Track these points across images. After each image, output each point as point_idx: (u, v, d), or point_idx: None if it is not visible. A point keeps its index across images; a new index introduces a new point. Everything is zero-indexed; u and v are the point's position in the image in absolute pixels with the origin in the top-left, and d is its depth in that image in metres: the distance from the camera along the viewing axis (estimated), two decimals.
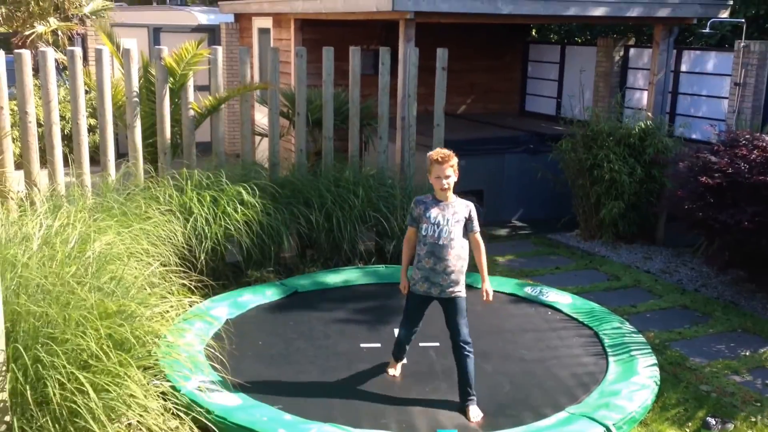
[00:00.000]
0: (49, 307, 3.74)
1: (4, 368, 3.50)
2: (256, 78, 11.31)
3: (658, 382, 4.79)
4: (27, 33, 11.76)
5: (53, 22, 11.93)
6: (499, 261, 7.53)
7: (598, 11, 7.87)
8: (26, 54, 6.09)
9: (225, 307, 5.77)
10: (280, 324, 5.68)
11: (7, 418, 3.54)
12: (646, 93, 9.15)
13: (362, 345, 5.27)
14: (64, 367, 3.54)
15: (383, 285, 6.35)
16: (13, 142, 6.52)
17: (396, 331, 4.92)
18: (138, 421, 3.73)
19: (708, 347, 5.58)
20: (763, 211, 5.99)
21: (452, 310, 4.44)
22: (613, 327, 5.60)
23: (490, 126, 9.98)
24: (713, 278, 7.02)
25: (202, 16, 12.94)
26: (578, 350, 5.35)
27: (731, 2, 8.47)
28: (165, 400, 3.91)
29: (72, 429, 3.57)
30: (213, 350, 4.66)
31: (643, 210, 7.95)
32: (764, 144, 6.37)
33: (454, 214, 4.37)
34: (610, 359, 5.14)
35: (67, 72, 6.60)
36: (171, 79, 6.79)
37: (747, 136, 6.55)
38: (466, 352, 4.43)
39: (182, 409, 3.91)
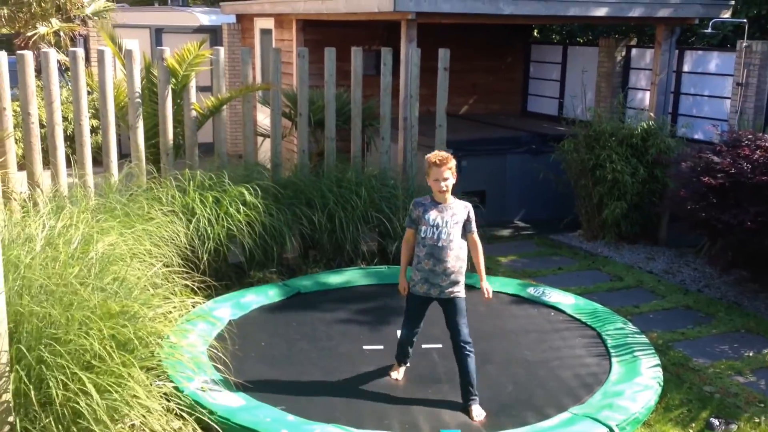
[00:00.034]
0: (52, 307, 3.74)
1: (7, 369, 3.50)
2: (258, 79, 11.31)
3: (662, 383, 4.78)
4: (29, 34, 11.77)
5: (55, 23, 11.94)
6: (501, 261, 7.53)
7: (600, 11, 7.86)
8: (29, 55, 6.10)
9: (228, 308, 5.77)
10: (283, 325, 5.68)
11: (11, 419, 3.54)
12: (648, 93, 9.15)
13: (365, 347, 5.26)
14: (67, 367, 3.54)
15: (386, 286, 6.35)
16: (16, 143, 6.52)
17: (399, 333, 4.92)
18: (141, 422, 3.73)
19: (711, 348, 5.57)
20: (765, 211, 5.98)
21: (452, 311, 4.45)
22: (616, 327, 5.60)
23: (492, 126, 9.98)
24: (716, 279, 7.01)
25: (203, 17, 12.94)
26: (581, 351, 5.34)
27: (733, 2, 8.47)
28: (168, 400, 3.91)
29: (75, 430, 3.57)
30: (216, 351, 4.67)
31: (645, 210, 7.94)
32: (766, 144, 6.36)
33: (452, 216, 4.40)
34: (613, 360, 5.13)
35: (69, 73, 6.61)
36: (173, 79, 6.80)
37: (749, 137, 6.54)
38: (466, 352, 4.44)
39: (185, 409, 3.91)
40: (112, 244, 4.51)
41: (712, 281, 6.98)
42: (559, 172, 8.32)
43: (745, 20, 8.50)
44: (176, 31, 12.44)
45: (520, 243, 8.29)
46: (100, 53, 6.43)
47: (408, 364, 4.85)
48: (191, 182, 6.36)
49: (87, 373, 3.56)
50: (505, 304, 6.22)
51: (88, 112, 6.65)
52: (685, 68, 9.05)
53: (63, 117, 6.86)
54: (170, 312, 4.24)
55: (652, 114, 8.39)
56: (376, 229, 6.93)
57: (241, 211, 6.18)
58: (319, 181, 6.95)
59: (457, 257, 4.39)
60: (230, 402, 4.32)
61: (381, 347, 5.23)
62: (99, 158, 6.70)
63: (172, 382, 4.12)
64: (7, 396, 3.51)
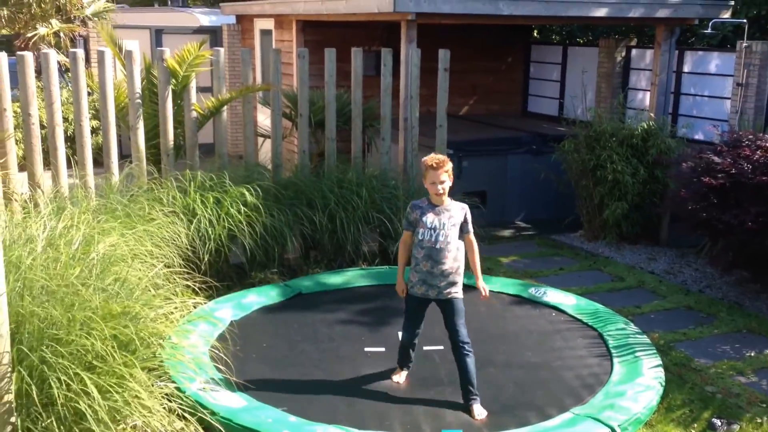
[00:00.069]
0: (53, 308, 3.74)
1: (9, 370, 3.50)
2: (258, 79, 11.31)
3: (663, 383, 4.78)
4: (29, 35, 11.77)
5: (55, 24, 11.94)
6: (502, 262, 7.53)
7: (600, 12, 7.86)
8: (29, 56, 6.09)
9: (229, 309, 5.77)
10: (284, 326, 5.68)
11: (13, 419, 3.53)
12: (648, 94, 9.15)
13: (366, 349, 5.24)
14: (69, 368, 3.54)
15: (387, 286, 6.34)
16: (17, 144, 6.52)
17: (400, 334, 4.91)
18: (143, 423, 3.73)
19: (713, 348, 5.57)
20: (766, 212, 5.98)
21: (450, 311, 4.48)
22: (617, 328, 5.60)
23: (492, 127, 9.97)
24: (717, 279, 7.01)
25: (203, 18, 12.94)
26: (583, 351, 5.34)
27: (732, 3, 8.47)
28: (170, 401, 3.91)
29: (77, 430, 3.57)
30: (217, 352, 4.66)
31: (646, 211, 7.94)
32: (767, 144, 6.36)
33: (450, 218, 4.43)
34: (615, 360, 5.13)
35: (69, 74, 6.60)
36: (173, 80, 6.80)
37: (750, 137, 6.54)
38: (465, 351, 4.46)
39: (187, 410, 3.91)
40: (113, 244, 4.50)
41: (713, 281, 6.97)
42: (560, 173, 8.32)
43: (744, 20, 8.50)
44: (176, 31, 12.44)
45: (521, 243, 8.29)
46: (100, 54, 6.43)
47: (410, 369, 4.84)
48: (192, 183, 6.36)
49: (89, 374, 3.56)
50: (507, 304, 6.22)
51: (89, 112, 6.65)
52: (685, 69, 9.05)
53: (63, 118, 6.86)
54: (171, 312, 4.24)
55: (652, 114, 8.39)
56: (377, 229, 6.93)
57: (242, 211, 6.18)
58: (320, 182, 6.95)
59: (454, 258, 4.42)
60: (232, 403, 4.32)
61: (383, 349, 5.22)
62: (99, 159, 6.70)
63: (173, 382, 4.12)
64: (10, 396, 3.50)
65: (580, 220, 8.40)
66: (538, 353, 5.30)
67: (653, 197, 7.87)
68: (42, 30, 11.76)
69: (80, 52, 6.39)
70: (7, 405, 3.51)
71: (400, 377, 4.78)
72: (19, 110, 6.47)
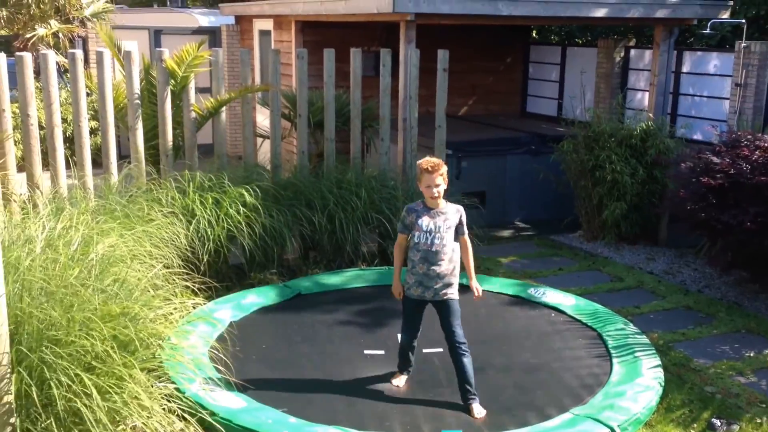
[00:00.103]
0: (52, 309, 3.73)
1: (8, 371, 3.49)
2: (257, 80, 11.31)
3: (663, 384, 4.78)
4: (28, 36, 11.75)
5: (54, 24, 11.93)
6: (502, 262, 7.53)
7: (599, 12, 7.87)
8: (27, 57, 6.09)
9: (228, 310, 5.76)
10: (284, 327, 5.68)
11: (12, 420, 3.53)
12: (647, 94, 9.15)
13: (366, 352, 5.23)
14: (68, 369, 3.53)
15: (386, 287, 6.27)
16: (16, 144, 6.51)
17: (399, 336, 4.90)
18: (142, 423, 3.72)
19: (712, 348, 5.57)
20: (765, 212, 5.98)
21: (446, 312, 4.50)
22: (616, 328, 5.60)
23: (491, 127, 9.98)
24: (716, 279, 7.01)
25: (202, 18, 12.94)
26: (582, 352, 5.34)
27: (731, 3, 8.48)
28: (170, 402, 3.90)
29: (76, 431, 3.57)
30: (217, 352, 4.66)
31: (645, 211, 7.95)
32: (766, 144, 6.37)
33: (445, 221, 4.46)
34: (614, 360, 5.13)
35: (68, 74, 6.60)
36: (172, 81, 6.79)
37: (748, 137, 6.55)
38: (462, 351, 4.48)
39: (187, 411, 3.91)
40: (112, 245, 4.50)
41: (712, 282, 6.98)
42: (559, 173, 8.32)
43: (743, 21, 8.51)
44: (175, 32, 12.43)
45: (520, 244, 8.29)
46: (99, 55, 6.42)
47: (410, 373, 4.82)
48: (191, 183, 6.36)
49: (88, 375, 3.56)
50: (506, 305, 6.22)
51: (88, 113, 6.64)
52: (684, 69, 9.05)
53: (62, 118, 6.86)
54: (171, 313, 4.23)
55: (651, 115, 8.40)
56: (376, 230, 6.93)
57: (241, 212, 6.18)
58: (319, 183, 6.95)
59: (450, 260, 4.46)
60: (232, 403, 4.32)
61: (382, 352, 5.19)
62: (98, 160, 6.69)
63: (173, 383, 4.11)
64: (9, 397, 3.50)
65: (579, 221, 8.40)
66: (538, 354, 5.30)
67: (652, 197, 7.87)
68: (41, 31, 11.74)
69: (79, 53, 6.39)
70: (7, 406, 3.50)
71: (400, 381, 4.77)
72: (17, 111, 6.47)
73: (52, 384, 3.50)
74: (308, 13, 9.01)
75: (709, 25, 8.43)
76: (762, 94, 7.76)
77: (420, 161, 4.46)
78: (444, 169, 4.41)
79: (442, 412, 4.47)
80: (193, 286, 4.81)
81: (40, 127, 6.42)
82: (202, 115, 7.11)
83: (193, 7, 18.35)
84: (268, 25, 11.15)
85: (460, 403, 4.51)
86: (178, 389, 4.08)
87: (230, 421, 4.11)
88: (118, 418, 3.69)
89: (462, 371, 4.48)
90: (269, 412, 4.29)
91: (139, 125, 6.64)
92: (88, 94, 7.11)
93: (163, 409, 3.81)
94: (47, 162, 6.30)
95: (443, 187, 4.43)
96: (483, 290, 6.45)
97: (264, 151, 8.32)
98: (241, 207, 6.21)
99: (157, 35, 12.49)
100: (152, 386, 3.86)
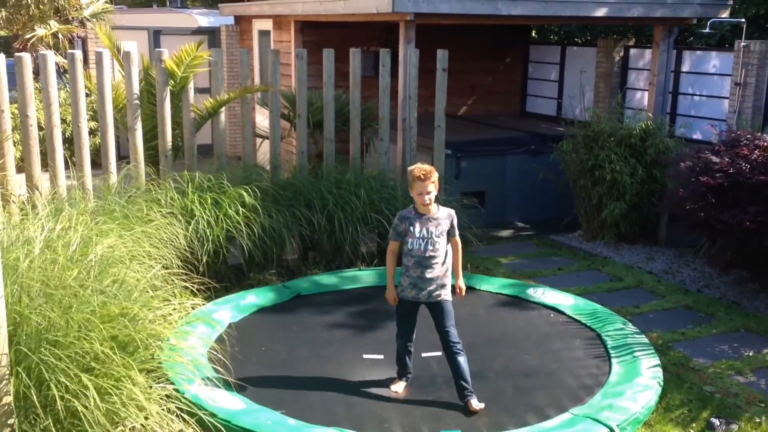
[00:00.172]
0: (51, 310, 3.73)
1: (7, 372, 3.49)
2: (257, 80, 11.31)
3: (662, 383, 4.78)
4: (27, 36, 11.76)
5: (53, 25, 11.93)
6: (501, 262, 7.52)
7: (598, 12, 7.87)
8: (27, 57, 6.08)
9: (228, 311, 5.76)
10: (283, 328, 5.68)
11: (11, 421, 3.53)
12: (646, 93, 9.15)
13: (365, 356, 5.20)
14: (67, 370, 3.53)
15: (385, 288, 6.32)
16: (15, 145, 6.51)
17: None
18: (142, 424, 3.72)
19: (711, 348, 5.57)
20: (764, 211, 5.98)
21: (440, 314, 4.54)
22: (616, 328, 5.59)
23: (491, 127, 9.97)
24: (716, 278, 7.01)
25: (202, 19, 12.94)
26: (581, 352, 5.34)
27: (731, 2, 8.47)
28: (169, 403, 3.90)
29: None
30: (216, 353, 4.66)
31: (644, 210, 7.94)
32: (765, 144, 6.37)
33: (437, 226, 4.50)
34: (613, 360, 5.13)
35: (67, 75, 6.60)
36: (171, 81, 6.79)
37: (748, 136, 6.54)
38: (456, 350, 4.51)
39: (186, 412, 3.91)
40: (111, 246, 4.50)
41: (711, 281, 6.98)
42: (559, 173, 8.32)
43: (743, 20, 8.51)
44: (174, 32, 12.43)
45: (519, 243, 8.29)
46: (99, 55, 6.42)
47: (409, 380, 4.79)
48: (190, 184, 6.36)
49: (87, 375, 3.56)
50: (505, 305, 6.22)
51: (87, 114, 6.64)
52: (684, 68, 9.05)
53: (61, 119, 6.86)
54: (170, 314, 4.24)
55: (650, 114, 8.39)
56: (376, 230, 6.93)
57: (240, 212, 6.18)
58: (319, 183, 6.95)
59: (443, 264, 4.53)
60: (231, 405, 4.31)
61: (381, 357, 5.15)
62: (98, 160, 6.69)
63: (172, 384, 4.11)
64: (8, 398, 3.50)
65: (578, 220, 8.40)
66: (537, 354, 5.30)
67: (651, 197, 7.87)
68: (40, 31, 11.74)
69: (78, 54, 6.39)
70: (6, 407, 3.50)
71: (399, 387, 4.74)
72: (17, 112, 6.47)
73: (51, 385, 3.50)
74: (307, 13, 9.01)
75: (708, 24, 8.43)
76: (761, 94, 7.76)
77: (412, 168, 4.48)
78: (435, 176, 4.45)
79: (441, 413, 4.47)
80: (192, 286, 4.81)
81: (39, 128, 6.42)
82: (201, 115, 7.11)
83: (193, 7, 18.35)
84: (267, 25, 11.15)
85: (458, 404, 4.51)
86: (177, 390, 4.08)
87: (229, 422, 4.11)
88: (117, 419, 3.69)
89: (458, 369, 4.50)
90: (268, 413, 4.29)
91: (139, 126, 6.64)
92: (87, 95, 7.11)
93: (162, 409, 3.81)
94: (46, 163, 6.30)
95: (435, 193, 4.47)
96: (483, 290, 6.50)
97: (263, 151, 8.32)
98: (240, 207, 6.21)
99: (156, 36, 12.49)
100: (151, 387, 3.86)
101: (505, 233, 8.66)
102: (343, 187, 6.90)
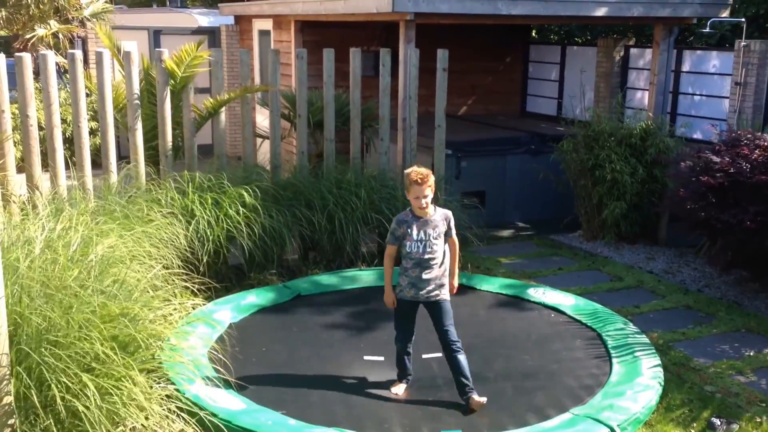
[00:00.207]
0: (51, 310, 3.73)
1: (8, 372, 3.49)
2: (257, 80, 11.31)
3: (662, 383, 4.77)
4: (28, 36, 11.75)
5: (54, 25, 11.92)
6: (501, 262, 7.52)
7: (599, 11, 7.86)
8: (27, 57, 6.08)
9: (228, 311, 5.76)
10: (283, 328, 5.67)
11: (11, 421, 3.53)
12: (646, 93, 9.14)
13: (366, 358, 5.18)
14: (68, 370, 3.53)
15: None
16: (15, 145, 6.51)
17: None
18: (142, 424, 3.72)
19: (712, 347, 5.57)
20: (765, 211, 5.98)
21: (438, 313, 4.55)
22: (616, 328, 5.59)
23: (491, 127, 9.97)
24: (716, 278, 7.01)
25: (202, 19, 12.94)
26: (582, 352, 5.33)
27: (731, 1, 8.46)
28: (169, 403, 3.90)
29: None
30: (217, 353, 4.66)
31: (645, 210, 7.94)
32: (765, 143, 6.36)
33: (435, 229, 4.52)
34: (614, 360, 5.12)
35: (67, 75, 6.60)
36: (172, 81, 6.79)
37: (748, 136, 6.54)
38: (456, 349, 4.53)
39: (187, 412, 3.90)
40: (111, 246, 4.50)
41: (712, 281, 6.97)
42: (559, 173, 8.32)
43: (743, 19, 8.50)
44: (174, 32, 12.43)
45: (520, 243, 8.29)
46: (99, 55, 6.42)
47: (409, 382, 4.78)
48: (190, 184, 6.36)
49: (88, 375, 3.56)
50: (505, 305, 6.22)
51: (87, 114, 6.64)
52: (684, 68, 9.05)
53: (62, 119, 6.86)
54: (170, 314, 4.24)
55: (650, 114, 8.39)
56: (376, 230, 6.93)
57: (241, 212, 6.18)
58: (319, 183, 6.95)
59: (441, 264, 4.56)
60: (231, 405, 4.31)
61: (381, 358, 5.14)
62: (98, 160, 6.69)
63: (173, 384, 4.11)
64: (9, 398, 3.50)
65: (578, 220, 8.40)
66: (537, 354, 5.29)
67: (652, 197, 7.87)
68: (40, 31, 11.74)
69: (78, 53, 6.38)
70: (6, 407, 3.50)
71: (399, 389, 4.73)
72: (17, 112, 6.47)
73: (52, 385, 3.50)
74: (308, 13, 9.00)
75: (708, 23, 8.43)
76: (762, 93, 7.75)
77: (408, 171, 4.50)
78: (432, 179, 4.48)
79: (441, 413, 4.47)
80: (193, 286, 4.81)
81: (40, 128, 6.42)
82: (201, 115, 7.11)
83: (193, 7, 18.34)
84: (267, 25, 11.15)
85: (459, 405, 4.51)
86: (177, 390, 4.08)
87: (230, 422, 4.11)
88: (117, 420, 3.68)
89: (457, 366, 4.52)
90: (268, 413, 4.29)
91: (139, 126, 6.64)
92: (87, 95, 7.11)
93: (163, 409, 3.81)
94: (47, 163, 6.30)
95: (431, 197, 4.50)
96: (483, 290, 6.50)
97: (263, 151, 8.33)
98: (240, 207, 6.21)
99: (156, 35, 12.49)
100: (152, 387, 3.86)
101: (506, 233, 8.66)
102: (343, 187, 6.89)
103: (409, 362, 4.77)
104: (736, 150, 6.40)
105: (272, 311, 5.96)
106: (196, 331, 5.03)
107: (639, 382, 4.72)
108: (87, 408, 3.48)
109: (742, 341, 5.68)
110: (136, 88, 6.57)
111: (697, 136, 8.60)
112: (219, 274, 6.23)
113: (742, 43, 7.76)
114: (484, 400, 4.46)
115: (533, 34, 12.70)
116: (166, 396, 3.93)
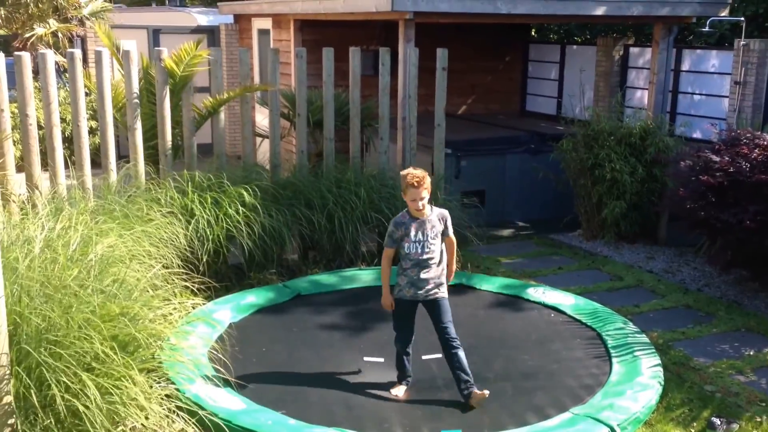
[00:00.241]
0: (51, 310, 3.73)
1: (8, 371, 3.49)
2: (256, 79, 11.30)
3: (662, 383, 4.77)
4: (27, 35, 11.73)
5: (53, 24, 11.90)
6: (501, 261, 7.52)
7: (598, 10, 7.86)
8: (26, 56, 6.07)
9: (228, 311, 5.76)
10: (283, 328, 5.67)
11: (11, 421, 3.52)
12: (646, 92, 9.14)
13: (365, 359, 5.17)
14: (68, 369, 3.53)
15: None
16: (14, 144, 6.50)
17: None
18: (142, 424, 3.72)
19: (712, 347, 5.57)
20: (764, 210, 5.98)
21: (437, 311, 4.57)
22: (616, 327, 5.59)
23: (491, 126, 9.97)
24: (716, 278, 7.01)
25: (201, 18, 12.93)
26: (581, 351, 5.33)
27: (730, 0, 8.46)
28: (169, 403, 3.90)
29: None
30: (216, 353, 4.65)
31: (644, 210, 7.94)
32: (765, 143, 6.36)
33: (432, 229, 4.55)
34: (614, 360, 5.12)
35: (67, 74, 6.58)
36: (171, 80, 6.78)
37: (748, 135, 6.54)
38: (455, 346, 4.55)
39: (187, 412, 3.90)
40: (111, 245, 4.49)
41: (711, 280, 6.98)
42: (559, 172, 8.32)
43: (742, 18, 8.50)
44: (174, 31, 12.42)
45: (519, 243, 8.28)
46: (98, 54, 6.41)
47: (409, 383, 4.77)
48: (190, 183, 6.35)
49: (88, 375, 3.55)
50: (505, 304, 6.21)
51: (86, 113, 6.63)
52: (683, 67, 9.05)
53: (61, 118, 6.85)
54: (170, 314, 4.23)
55: (650, 113, 8.39)
56: (376, 229, 6.93)
57: (240, 212, 6.17)
58: (318, 182, 6.94)
59: (439, 264, 4.59)
60: (231, 405, 4.31)
61: (381, 359, 5.12)
62: (97, 160, 6.68)
63: (173, 384, 4.11)
64: (9, 398, 3.50)
65: (578, 220, 8.39)
66: (537, 354, 5.29)
67: (651, 196, 7.87)
68: (39, 30, 11.72)
69: (78, 52, 6.37)
70: (6, 407, 3.50)
71: (399, 391, 4.72)
72: (16, 111, 6.45)
73: (52, 385, 3.49)
74: (307, 12, 9.00)
75: (708, 23, 8.42)
76: (761, 92, 7.75)
77: (404, 174, 4.51)
78: (428, 181, 4.51)
79: (442, 413, 4.47)
80: (193, 286, 4.81)
81: (39, 127, 6.41)
82: (201, 114, 7.11)
83: (192, 6, 18.32)
84: (266, 24, 11.14)
85: (459, 404, 4.51)
86: (177, 390, 4.08)
87: (230, 422, 4.10)
88: (117, 419, 3.68)
89: (457, 362, 4.53)
90: (268, 413, 4.29)
91: (138, 125, 6.63)
92: (87, 94, 7.10)
93: (163, 409, 3.81)
94: (46, 162, 6.29)
95: (428, 198, 4.54)
96: (483, 290, 6.50)
97: (263, 150, 8.32)
98: (240, 207, 6.20)
99: (155, 34, 12.47)
100: (152, 387, 3.86)
101: (505, 232, 8.66)
102: (343, 186, 6.89)
103: (409, 363, 4.77)
104: (735, 149, 6.40)
105: (272, 311, 5.96)
106: (196, 331, 5.03)
107: (639, 381, 4.72)
108: (87, 407, 3.48)
109: (742, 341, 5.68)
110: (136, 87, 6.56)
111: (697, 135, 8.60)
112: (219, 273, 6.23)
113: (742, 42, 7.76)
114: (486, 392, 4.46)
115: (533, 33, 12.70)
116: (166, 395, 3.93)
